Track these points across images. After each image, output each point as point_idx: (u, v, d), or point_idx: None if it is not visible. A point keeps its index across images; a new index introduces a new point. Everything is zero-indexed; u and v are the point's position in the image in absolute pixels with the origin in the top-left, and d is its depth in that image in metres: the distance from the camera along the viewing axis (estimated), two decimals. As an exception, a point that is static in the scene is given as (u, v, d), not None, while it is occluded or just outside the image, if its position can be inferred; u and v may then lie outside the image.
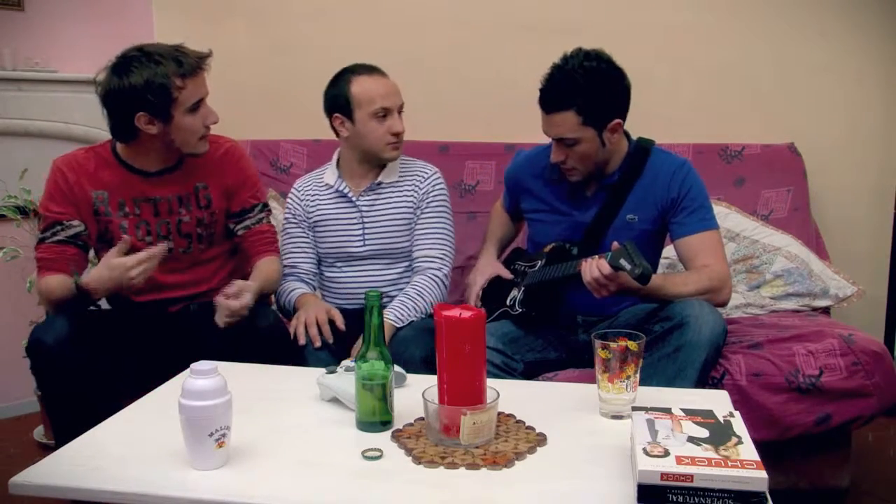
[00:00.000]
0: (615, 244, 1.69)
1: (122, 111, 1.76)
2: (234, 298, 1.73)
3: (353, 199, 2.11)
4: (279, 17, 2.85)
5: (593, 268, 1.70)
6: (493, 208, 2.28)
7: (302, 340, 1.90)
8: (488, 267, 2.10)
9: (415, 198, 2.10)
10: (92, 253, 1.95)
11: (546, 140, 1.90)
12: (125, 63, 1.74)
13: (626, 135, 1.94)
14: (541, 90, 1.82)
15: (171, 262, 1.92)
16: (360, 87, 1.99)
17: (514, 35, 2.72)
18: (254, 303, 1.78)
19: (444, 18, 2.76)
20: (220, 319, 1.74)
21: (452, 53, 2.74)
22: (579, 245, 1.91)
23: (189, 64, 1.75)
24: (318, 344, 1.89)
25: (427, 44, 2.73)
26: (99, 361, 1.71)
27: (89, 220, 1.86)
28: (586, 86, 1.76)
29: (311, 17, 2.83)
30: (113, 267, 1.69)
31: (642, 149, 1.93)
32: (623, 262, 1.64)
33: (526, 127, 2.29)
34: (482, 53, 2.74)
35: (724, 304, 1.84)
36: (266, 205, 2.03)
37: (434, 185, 2.11)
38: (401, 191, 2.11)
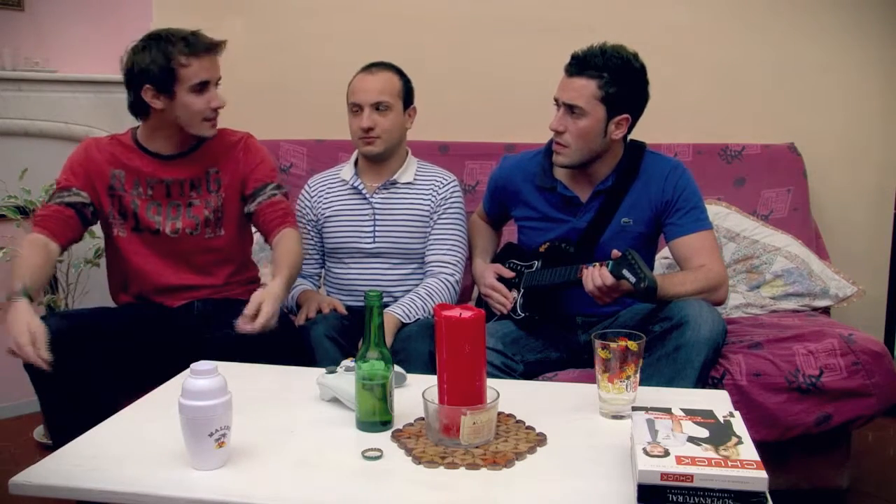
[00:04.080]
0: (615, 252, 1.68)
1: (133, 86, 1.86)
2: (252, 320, 1.63)
3: (367, 195, 2.12)
4: (278, 16, 2.85)
5: (595, 277, 1.70)
6: (472, 222, 2.24)
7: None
8: (487, 269, 2.09)
9: (432, 202, 2.12)
10: (99, 230, 2.01)
11: (534, 142, 1.87)
12: (142, 43, 1.85)
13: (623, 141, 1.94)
14: (573, 54, 1.84)
15: (174, 244, 1.94)
16: None
17: (514, 35, 2.72)
18: (280, 303, 1.69)
19: (444, 18, 2.76)
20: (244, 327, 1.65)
21: (452, 53, 2.74)
22: (575, 245, 1.91)
23: (196, 44, 1.83)
24: (328, 310, 1.97)
25: (427, 43, 2.72)
26: (97, 359, 1.70)
27: (104, 197, 1.92)
28: (617, 68, 1.80)
29: (311, 16, 2.83)
30: (21, 330, 1.56)
31: (635, 152, 1.93)
32: (626, 273, 1.64)
33: (526, 127, 2.29)
34: (482, 53, 2.74)
35: (721, 303, 1.84)
36: (280, 185, 2.02)
37: (452, 193, 2.14)
38: (417, 193, 2.12)
